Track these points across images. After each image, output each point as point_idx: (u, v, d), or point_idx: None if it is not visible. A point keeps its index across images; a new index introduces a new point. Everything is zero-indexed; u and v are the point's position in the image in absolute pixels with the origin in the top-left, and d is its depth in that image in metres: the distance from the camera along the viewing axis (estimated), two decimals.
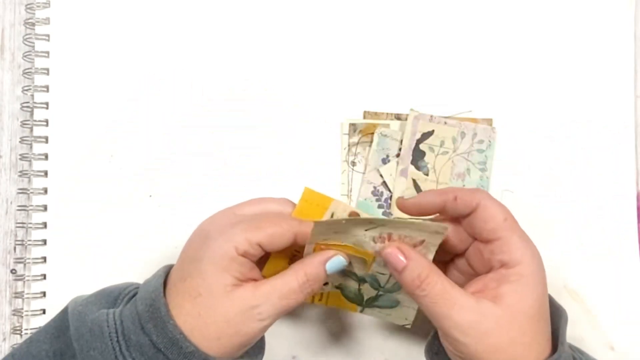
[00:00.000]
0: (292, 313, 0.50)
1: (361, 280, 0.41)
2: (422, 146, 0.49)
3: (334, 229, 0.37)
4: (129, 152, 0.50)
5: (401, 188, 0.49)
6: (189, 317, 0.36)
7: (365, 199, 0.49)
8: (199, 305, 0.36)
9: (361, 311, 0.43)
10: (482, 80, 0.51)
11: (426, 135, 0.49)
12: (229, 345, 0.37)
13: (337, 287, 0.42)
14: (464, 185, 0.49)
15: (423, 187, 0.49)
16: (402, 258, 0.37)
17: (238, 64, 0.50)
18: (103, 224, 0.49)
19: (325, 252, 0.39)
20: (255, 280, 0.38)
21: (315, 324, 0.50)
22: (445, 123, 0.49)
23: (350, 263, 0.39)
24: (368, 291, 0.42)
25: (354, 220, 0.37)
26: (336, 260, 0.39)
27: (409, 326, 0.43)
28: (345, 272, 0.40)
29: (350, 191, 0.50)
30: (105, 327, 0.36)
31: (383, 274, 0.40)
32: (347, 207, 0.41)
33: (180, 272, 0.38)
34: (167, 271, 0.40)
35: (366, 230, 0.37)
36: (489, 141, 0.50)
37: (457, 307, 0.36)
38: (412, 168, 0.49)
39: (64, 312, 0.39)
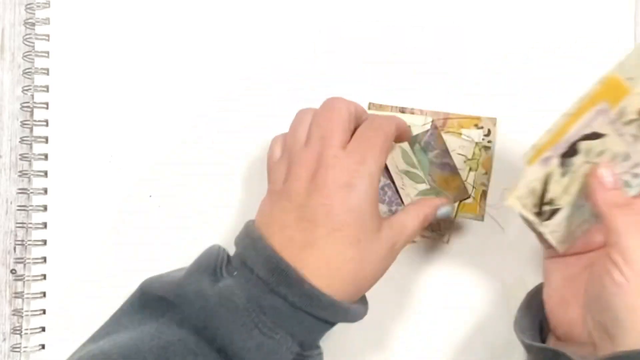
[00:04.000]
0: None
1: None
2: None
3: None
4: (129, 152, 0.50)
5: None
6: (351, 262, 0.36)
7: None
8: (361, 251, 0.36)
9: None
10: (484, 80, 0.51)
11: None
12: (370, 286, 0.38)
13: None
14: None
15: None
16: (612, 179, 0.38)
17: (238, 64, 0.50)
18: (103, 224, 0.49)
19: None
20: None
21: None
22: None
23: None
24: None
25: None
26: (447, 208, 0.42)
27: None
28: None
29: None
30: (236, 298, 0.35)
31: None
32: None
33: (331, 224, 0.36)
34: (253, 227, 0.38)
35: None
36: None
37: None
38: None
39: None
